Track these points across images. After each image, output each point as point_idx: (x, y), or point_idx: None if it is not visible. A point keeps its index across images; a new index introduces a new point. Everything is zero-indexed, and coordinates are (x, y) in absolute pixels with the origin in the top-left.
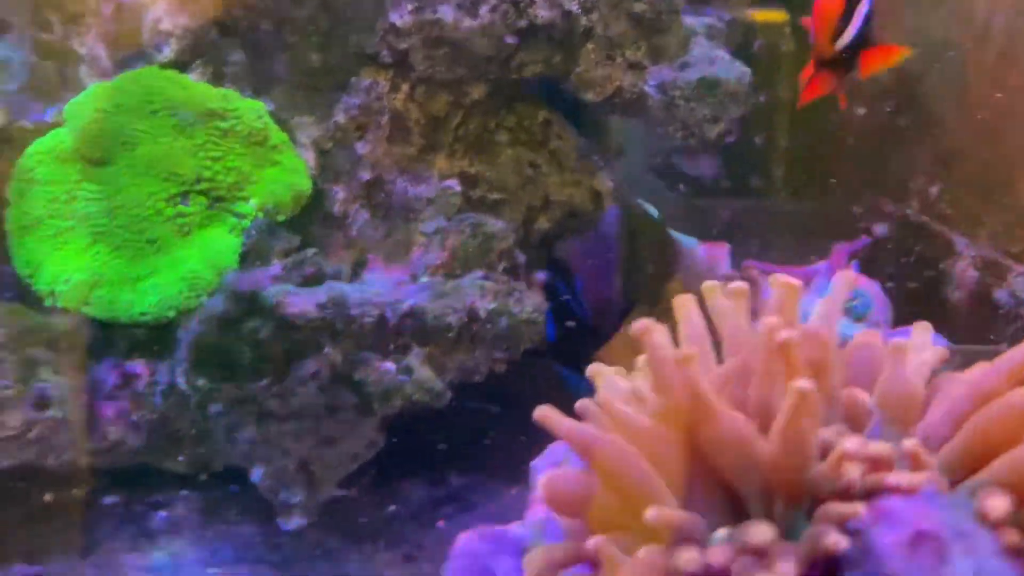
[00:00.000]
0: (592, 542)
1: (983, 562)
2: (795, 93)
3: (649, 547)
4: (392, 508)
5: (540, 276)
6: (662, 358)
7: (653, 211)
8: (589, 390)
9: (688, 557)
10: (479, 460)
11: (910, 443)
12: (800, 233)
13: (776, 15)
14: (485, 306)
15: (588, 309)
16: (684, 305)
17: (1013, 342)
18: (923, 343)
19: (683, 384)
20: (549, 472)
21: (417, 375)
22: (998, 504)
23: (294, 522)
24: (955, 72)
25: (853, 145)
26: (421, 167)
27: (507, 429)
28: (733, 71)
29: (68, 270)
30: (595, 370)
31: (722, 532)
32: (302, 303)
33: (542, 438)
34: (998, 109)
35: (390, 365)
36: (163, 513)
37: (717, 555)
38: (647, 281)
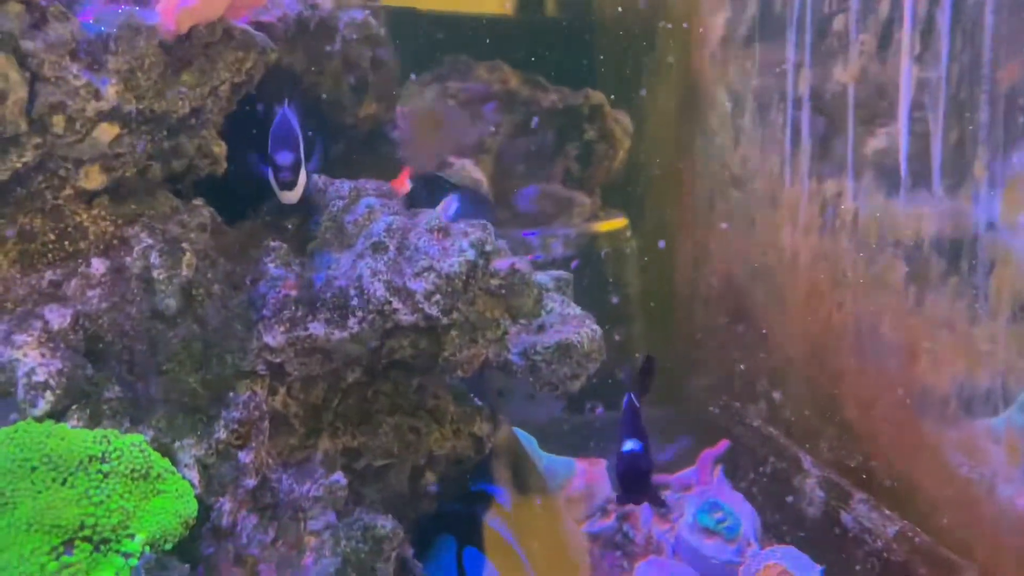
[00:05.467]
0: None
1: None
2: (644, 292)
3: None
4: None
5: None
6: None
7: (529, 438)
8: None
9: None
10: None
11: None
12: (670, 436)
13: (616, 223)
14: None
15: None
16: None
17: (863, 565)
18: None
19: None
20: None
21: None
22: None
23: None
24: (775, 292)
25: (705, 346)
26: (305, 456)
27: None
28: (584, 331)
29: None
30: None
31: None
32: None
33: None
34: (815, 332)
35: None
36: None
37: None
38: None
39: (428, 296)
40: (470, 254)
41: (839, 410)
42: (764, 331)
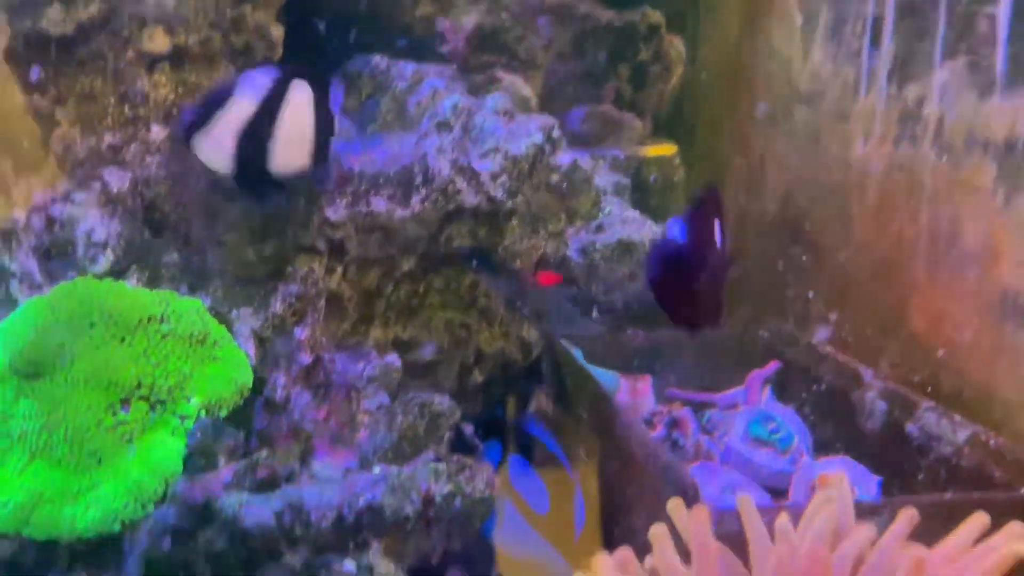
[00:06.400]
0: None
1: None
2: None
3: None
4: None
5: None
6: None
7: (577, 351)
8: None
9: None
10: None
11: None
12: (714, 359)
13: (665, 148)
14: (440, 490)
15: None
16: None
17: (928, 473)
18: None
19: None
20: None
21: (377, 571)
22: None
23: None
24: (839, 211)
25: (755, 273)
26: (357, 341)
27: None
28: (645, 231)
29: (6, 493)
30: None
31: None
32: (259, 512)
33: None
34: (883, 249)
35: (350, 566)
36: None
37: None
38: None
39: (494, 177)
40: (538, 138)
41: (905, 325)
42: (824, 253)
